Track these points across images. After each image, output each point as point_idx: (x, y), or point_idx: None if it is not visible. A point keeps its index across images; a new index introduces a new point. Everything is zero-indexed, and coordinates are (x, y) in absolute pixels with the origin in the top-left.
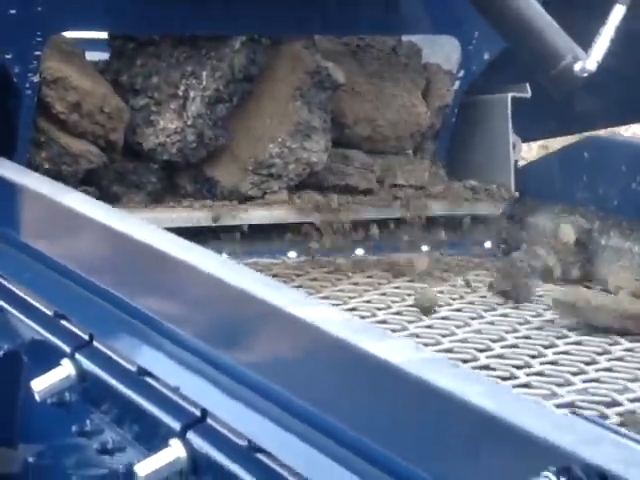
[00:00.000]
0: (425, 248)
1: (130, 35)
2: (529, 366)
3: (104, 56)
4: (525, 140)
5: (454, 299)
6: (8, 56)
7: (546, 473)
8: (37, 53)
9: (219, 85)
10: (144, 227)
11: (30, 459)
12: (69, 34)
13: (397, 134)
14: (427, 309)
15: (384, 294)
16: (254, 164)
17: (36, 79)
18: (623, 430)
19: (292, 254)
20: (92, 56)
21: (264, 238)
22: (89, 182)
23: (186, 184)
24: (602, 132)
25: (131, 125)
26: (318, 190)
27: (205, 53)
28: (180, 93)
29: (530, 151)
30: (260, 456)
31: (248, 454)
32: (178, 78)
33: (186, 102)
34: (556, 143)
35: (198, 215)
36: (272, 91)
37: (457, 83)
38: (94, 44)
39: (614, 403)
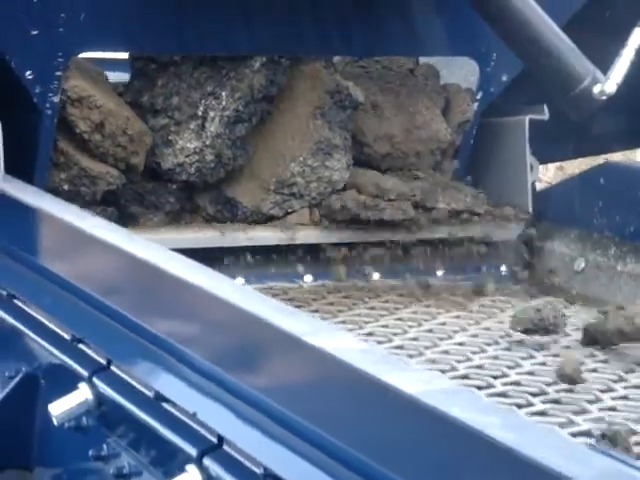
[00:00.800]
0: (440, 273)
1: (151, 56)
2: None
3: (123, 76)
4: (542, 162)
5: (470, 325)
6: (29, 76)
7: None
8: (58, 73)
9: (238, 105)
10: (163, 252)
11: None
12: (89, 54)
13: (416, 150)
14: (571, 379)
15: (400, 319)
16: (275, 183)
17: (56, 99)
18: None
19: (308, 278)
20: (111, 76)
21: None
22: (107, 202)
23: (207, 205)
24: (617, 155)
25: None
26: (353, 224)
27: (225, 74)
28: (199, 113)
29: (547, 172)
30: None
31: None
32: (198, 98)
33: (205, 122)
34: (573, 164)
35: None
36: (292, 110)
37: (475, 105)
38: (113, 64)
39: (632, 432)
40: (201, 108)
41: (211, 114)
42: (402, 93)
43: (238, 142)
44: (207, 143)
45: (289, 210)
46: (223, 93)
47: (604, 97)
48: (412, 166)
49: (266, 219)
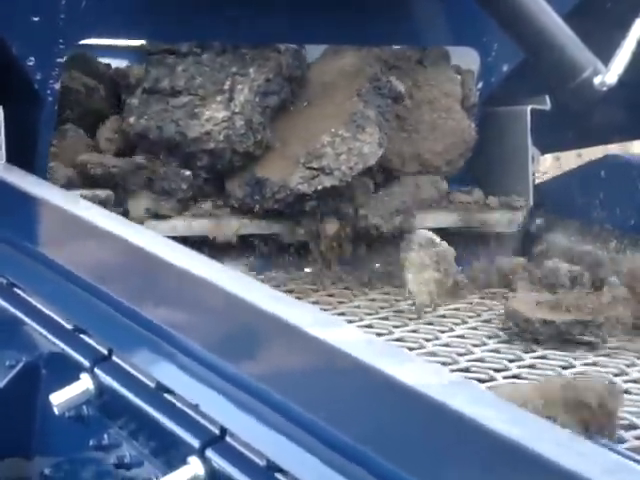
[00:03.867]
0: None
1: (168, 48)
2: None
3: (123, 64)
4: (542, 152)
5: (470, 317)
6: (30, 63)
7: None
8: (59, 60)
9: (268, 75)
10: (165, 241)
11: (46, 471)
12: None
13: (446, 159)
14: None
15: (400, 311)
16: (305, 156)
17: (57, 86)
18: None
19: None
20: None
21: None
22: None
23: (235, 188)
24: (614, 146)
25: (170, 124)
26: None
27: (250, 58)
28: (226, 87)
29: (544, 162)
30: (279, 475)
31: (267, 473)
32: (223, 77)
33: (233, 94)
34: (569, 155)
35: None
36: (331, 99)
37: (476, 95)
38: (116, 52)
39: (632, 426)
40: (228, 83)
41: (239, 87)
42: (417, 96)
43: (268, 111)
44: (236, 111)
45: (318, 187)
46: (250, 69)
47: (605, 88)
48: (446, 174)
49: (296, 199)
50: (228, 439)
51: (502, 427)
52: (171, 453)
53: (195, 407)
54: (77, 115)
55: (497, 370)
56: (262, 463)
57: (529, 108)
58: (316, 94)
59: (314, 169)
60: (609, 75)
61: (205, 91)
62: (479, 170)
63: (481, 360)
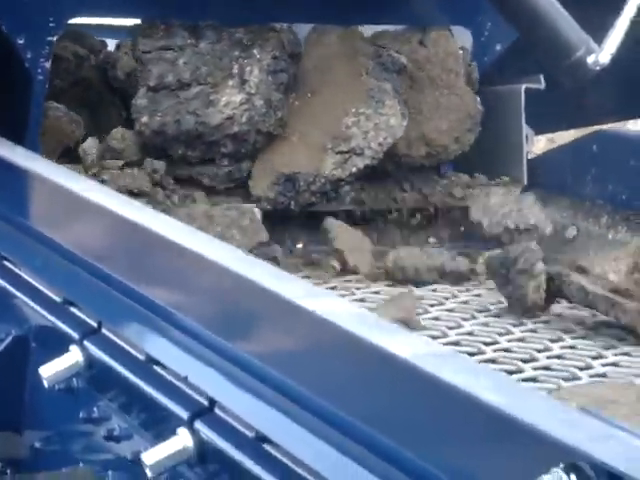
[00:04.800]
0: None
1: (165, 45)
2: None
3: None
4: (536, 133)
5: (460, 292)
6: (20, 41)
7: (556, 470)
8: (50, 39)
9: (274, 54)
10: (155, 215)
11: (36, 444)
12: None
13: (453, 136)
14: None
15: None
16: (332, 141)
17: (48, 65)
18: (630, 427)
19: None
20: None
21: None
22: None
23: (265, 191)
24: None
25: (188, 115)
26: None
27: (248, 40)
28: (235, 71)
29: (537, 143)
30: (267, 447)
31: (255, 444)
32: (228, 62)
33: (244, 76)
34: (563, 137)
35: None
36: (335, 82)
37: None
38: (107, 31)
39: None
40: (235, 67)
41: (248, 68)
42: (418, 77)
43: (282, 88)
44: (252, 92)
45: (353, 170)
46: (254, 50)
47: (598, 67)
48: (455, 152)
49: (333, 184)
50: (217, 411)
51: (491, 397)
52: (160, 425)
53: (184, 379)
54: (67, 84)
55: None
56: (251, 434)
57: (523, 87)
58: (315, 80)
59: (344, 152)
60: (602, 54)
61: (214, 78)
62: (473, 150)
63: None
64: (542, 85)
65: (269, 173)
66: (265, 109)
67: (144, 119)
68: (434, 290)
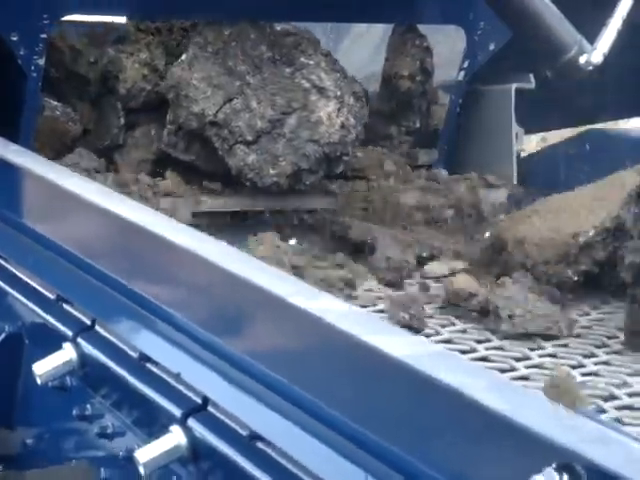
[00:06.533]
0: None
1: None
2: (529, 358)
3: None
4: (527, 132)
5: None
6: (14, 38)
7: (548, 470)
8: (43, 36)
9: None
10: (149, 213)
11: (29, 441)
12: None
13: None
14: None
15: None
16: None
17: (42, 62)
18: (622, 428)
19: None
20: None
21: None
22: None
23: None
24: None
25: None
26: None
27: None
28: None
29: (529, 143)
30: (260, 444)
31: (248, 442)
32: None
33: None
34: (554, 136)
35: None
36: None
37: (462, 73)
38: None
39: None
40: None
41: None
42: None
43: None
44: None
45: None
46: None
47: (590, 67)
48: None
49: None
50: (210, 408)
51: (485, 397)
52: (153, 422)
53: (177, 377)
54: (63, 75)
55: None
56: (244, 432)
57: (514, 87)
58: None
59: None
60: (594, 54)
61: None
62: (463, 147)
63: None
64: (533, 85)
65: None
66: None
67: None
68: None
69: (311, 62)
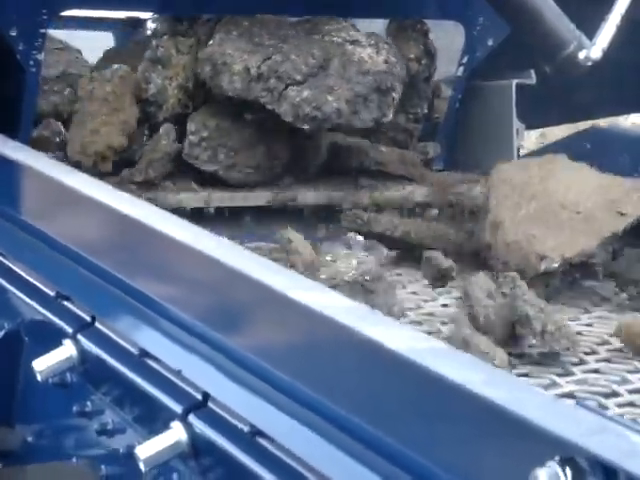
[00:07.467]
0: None
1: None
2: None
3: (109, 36)
4: (528, 128)
5: (452, 287)
6: (12, 33)
7: (550, 463)
8: (42, 31)
9: None
10: (148, 208)
11: (29, 438)
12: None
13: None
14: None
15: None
16: None
17: (40, 57)
18: (625, 420)
19: None
20: (98, 37)
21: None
22: None
23: None
24: (602, 121)
25: None
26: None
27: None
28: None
29: (529, 139)
30: (261, 440)
31: (249, 438)
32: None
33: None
34: (554, 132)
35: None
36: None
37: (461, 69)
38: (99, 24)
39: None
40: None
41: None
42: None
43: None
44: None
45: None
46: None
47: (589, 63)
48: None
49: None
50: (211, 404)
51: (486, 391)
52: (154, 419)
53: (178, 373)
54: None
55: None
56: (245, 428)
57: (514, 82)
58: None
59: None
60: (594, 50)
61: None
62: (463, 144)
63: None
64: (533, 81)
65: None
66: None
67: None
68: None
69: (339, 26)
